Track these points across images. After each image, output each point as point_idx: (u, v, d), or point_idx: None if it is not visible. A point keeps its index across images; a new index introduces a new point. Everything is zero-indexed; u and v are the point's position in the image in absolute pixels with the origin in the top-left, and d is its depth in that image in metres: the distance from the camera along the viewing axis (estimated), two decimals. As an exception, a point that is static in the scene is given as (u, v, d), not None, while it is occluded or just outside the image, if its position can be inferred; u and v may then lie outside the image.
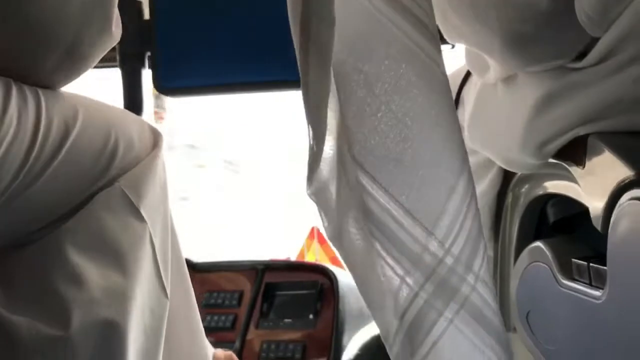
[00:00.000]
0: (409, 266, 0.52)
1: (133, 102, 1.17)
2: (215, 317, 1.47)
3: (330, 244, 0.59)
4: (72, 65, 0.65)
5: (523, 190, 0.79)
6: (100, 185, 0.67)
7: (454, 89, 0.91)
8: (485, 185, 0.84)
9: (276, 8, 1.14)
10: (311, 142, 0.53)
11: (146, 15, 1.18)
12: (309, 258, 2.32)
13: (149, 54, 1.17)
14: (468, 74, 0.88)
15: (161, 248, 0.70)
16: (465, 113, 0.84)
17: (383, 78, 0.51)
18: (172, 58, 1.16)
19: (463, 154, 0.53)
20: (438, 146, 0.52)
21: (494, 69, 0.71)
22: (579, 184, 0.63)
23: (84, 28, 0.62)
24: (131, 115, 0.76)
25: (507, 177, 0.82)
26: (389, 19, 0.51)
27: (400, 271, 0.53)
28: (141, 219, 0.68)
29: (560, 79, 0.63)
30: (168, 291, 0.70)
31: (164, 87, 1.19)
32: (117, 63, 1.16)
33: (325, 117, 0.52)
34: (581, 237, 0.69)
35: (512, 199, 0.81)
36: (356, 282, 0.57)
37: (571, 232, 0.73)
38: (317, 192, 0.55)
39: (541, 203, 0.77)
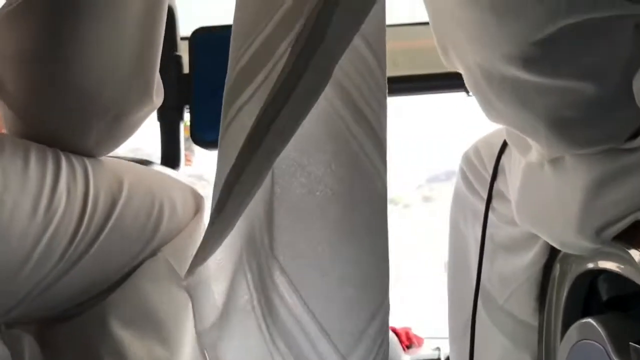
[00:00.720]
0: None
1: (171, 154, 1.18)
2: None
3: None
4: (117, 133, 0.65)
5: (571, 263, 0.77)
6: (144, 256, 0.66)
7: (492, 156, 0.90)
8: (531, 256, 0.82)
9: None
10: (212, 229, 0.46)
11: (186, 69, 1.19)
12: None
13: (187, 107, 1.18)
14: (506, 142, 0.87)
15: None
16: (509, 185, 0.84)
17: (325, 181, 0.47)
18: (209, 111, 1.17)
19: (389, 281, 0.49)
20: (370, 264, 0.48)
21: (537, 150, 0.70)
22: (637, 266, 0.62)
23: (127, 95, 0.63)
24: (174, 181, 0.75)
25: (554, 248, 0.81)
26: (344, 121, 0.48)
27: None
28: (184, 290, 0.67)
29: (612, 162, 0.62)
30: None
31: (201, 140, 1.19)
32: (156, 116, 1.17)
33: (245, 208, 0.47)
34: (637, 316, 0.68)
35: (559, 271, 0.79)
36: None
37: (625, 311, 0.71)
38: (195, 285, 0.49)
39: (590, 277, 0.75)
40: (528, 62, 0.59)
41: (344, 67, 0.48)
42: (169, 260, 0.67)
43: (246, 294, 0.50)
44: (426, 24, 0.77)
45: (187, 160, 1.48)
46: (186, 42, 1.23)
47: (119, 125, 0.64)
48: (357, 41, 0.47)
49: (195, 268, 0.48)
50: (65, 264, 0.59)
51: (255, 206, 0.48)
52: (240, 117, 0.48)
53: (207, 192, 0.76)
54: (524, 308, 0.88)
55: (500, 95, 0.65)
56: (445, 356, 1.32)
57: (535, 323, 0.87)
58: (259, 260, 0.49)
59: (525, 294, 0.86)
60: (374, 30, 0.48)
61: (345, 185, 0.48)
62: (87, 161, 0.63)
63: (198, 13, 1.54)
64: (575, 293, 0.77)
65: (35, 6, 0.58)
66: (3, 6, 0.60)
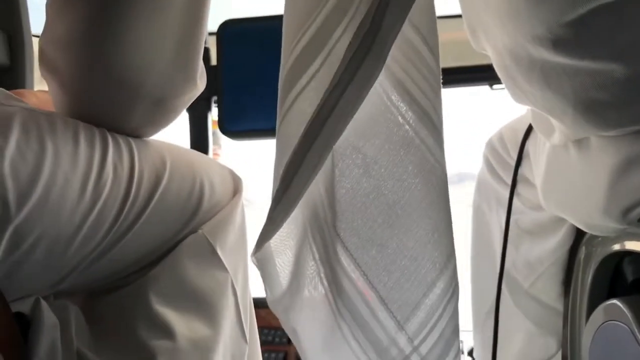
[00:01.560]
0: (374, 356, 0.51)
1: (199, 144, 1.20)
2: (266, 354, 1.48)
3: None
4: (160, 117, 0.66)
5: (597, 245, 0.78)
6: (186, 233, 0.67)
7: (516, 142, 0.90)
8: (557, 240, 0.83)
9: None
10: (277, 209, 0.50)
11: (213, 61, 1.22)
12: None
13: (215, 98, 1.20)
14: (531, 126, 0.87)
15: (242, 294, 0.70)
16: (533, 169, 0.84)
17: (380, 161, 0.51)
18: (236, 103, 1.19)
19: (450, 251, 0.52)
20: (424, 239, 0.51)
21: (561, 131, 0.70)
22: (663, 246, 0.62)
23: (170, 81, 0.63)
24: (214, 161, 0.76)
25: (579, 231, 0.81)
26: (396, 107, 0.51)
27: (363, 358, 0.52)
28: (223, 266, 0.68)
29: (639, 143, 0.62)
30: (247, 336, 0.70)
31: (228, 130, 1.21)
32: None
33: (307, 187, 0.50)
34: (662, 298, 0.68)
35: (585, 254, 0.80)
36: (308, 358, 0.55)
37: (650, 292, 0.72)
38: (263, 260, 0.54)
39: (616, 259, 0.76)
40: (558, 43, 0.59)
41: (397, 57, 0.50)
42: (209, 237, 0.67)
43: (313, 267, 0.54)
44: (446, 17, 0.77)
45: (215, 154, 1.50)
46: (213, 37, 1.25)
47: (163, 109, 0.64)
48: (408, 30, 0.50)
49: (263, 243, 0.52)
50: (110, 240, 0.60)
51: (317, 185, 0.52)
52: (298, 103, 0.51)
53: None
54: (550, 292, 0.89)
55: (528, 76, 0.65)
56: (469, 348, 1.32)
57: (561, 307, 0.87)
58: (323, 235, 0.52)
59: (551, 278, 0.87)
60: (424, 19, 0.51)
61: (399, 165, 0.50)
62: (132, 141, 0.63)
63: (222, 7, 1.57)
64: (601, 275, 0.78)
65: None
66: None
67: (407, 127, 0.50)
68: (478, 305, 1.06)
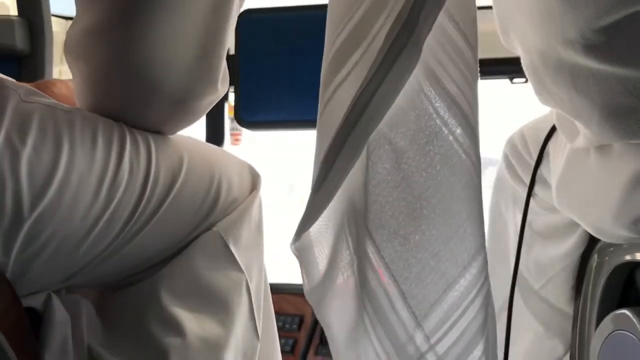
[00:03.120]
0: (392, 352, 0.51)
1: (215, 133, 1.20)
2: (276, 340, 1.49)
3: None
4: (179, 117, 0.65)
5: (610, 254, 0.77)
6: (200, 231, 0.67)
7: (538, 142, 0.89)
8: (569, 245, 0.83)
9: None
10: (315, 199, 0.51)
11: (231, 51, 1.21)
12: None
13: (232, 88, 1.20)
14: (554, 127, 0.86)
15: (256, 291, 0.70)
16: (551, 170, 0.83)
17: (409, 152, 0.51)
18: (253, 93, 1.19)
19: (476, 247, 0.51)
20: (446, 235, 0.50)
21: (585, 136, 0.70)
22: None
23: (191, 82, 0.62)
24: (232, 157, 0.75)
25: (592, 238, 0.81)
26: (426, 96, 0.51)
27: (382, 354, 0.52)
28: (237, 265, 0.68)
29: None
30: (260, 332, 0.70)
31: (245, 120, 1.22)
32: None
33: (344, 179, 0.51)
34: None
35: (597, 262, 0.80)
36: (335, 350, 0.55)
37: (661, 304, 0.72)
38: (301, 249, 0.54)
39: (628, 269, 0.76)
40: (589, 48, 0.58)
41: (431, 47, 0.50)
42: (223, 235, 0.67)
43: (347, 257, 0.54)
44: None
45: (235, 139, 1.49)
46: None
47: (182, 109, 0.64)
48: (444, 20, 0.50)
49: (301, 233, 0.52)
50: (122, 239, 0.60)
51: (354, 176, 0.52)
52: (338, 94, 0.51)
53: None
54: (560, 296, 0.88)
55: (556, 78, 0.65)
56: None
57: (570, 311, 0.87)
58: (358, 226, 0.52)
59: (562, 283, 0.87)
60: (463, 12, 0.51)
61: (426, 155, 0.50)
62: (150, 138, 0.63)
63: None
64: (612, 284, 0.77)
65: None
66: None
67: (434, 115, 0.50)
68: (491, 302, 1.05)
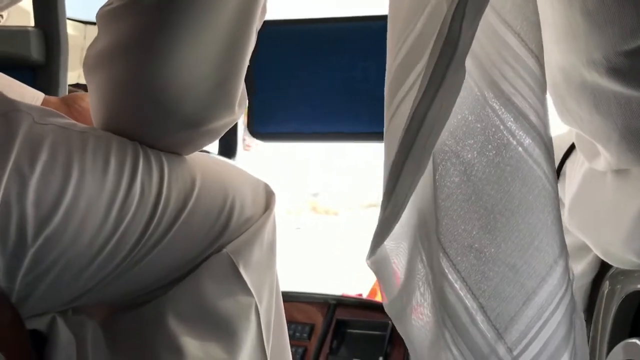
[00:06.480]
0: None
1: (228, 145, 1.20)
2: (286, 349, 1.49)
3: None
4: (196, 140, 0.65)
5: (621, 281, 0.77)
6: (210, 253, 0.66)
7: (557, 159, 0.88)
8: (581, 269, 0.82)
9: (370, 62, 1.16)
10: (385, 214, 0.51)
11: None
12: (380, 297, 2.29)
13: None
14: (573, 146, 0.85)
15: (266, 312, 0.69)
16: (566, 189, 0.82)
17: (478, 164, 0.51)
18: (267, 104, 1.19)
19: (554, 257, 0.51)
20: (522, 247, 0.50)
21: (605, 159, 0.69)
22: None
23: (207, 107, 0.62)
24: (247, 175, 0.73)
25: (604, 264, 0.80)
26: (492, 108, 0.51)
27: None
28: (247, 288, 0.66)
29: None
30: (268, 355, 0.68)
31: (258, 131, 1.22)
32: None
33: (412, 193, 0.51)
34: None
35: (609, 288, 0.79)
36: None
37: (673, 335, 0.71)
38: (377, 263, 0.54)
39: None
40: (613, 70, 0.58)
41: (493, 59, 0.51)
42: (233, 257, 0.66)
43: (422, 271, 0.54)
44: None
45: (247, 145, 1.49)
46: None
47: (197, 133, 0.63)
48: (503, 31, 0.50)
49: (376, 248, 0.53)
50: (130, 262, 0.60)
51: (422, 190, 0.52)
52: (402, 109, 0.52)
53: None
54: (571, 319, 0.87)
55: (578, 98, 0.64)
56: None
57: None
58: (430, 240, 0.52)
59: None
60: (522, 21, 0.51)
61: (496, 167, 0.51)
62: (164, 157, 0.62)
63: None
64: (623, 312, 0.76)
65: (131, 10, 0.58)
66: (104, 5, 0.61)
67: (502, 127, 0.51)
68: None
